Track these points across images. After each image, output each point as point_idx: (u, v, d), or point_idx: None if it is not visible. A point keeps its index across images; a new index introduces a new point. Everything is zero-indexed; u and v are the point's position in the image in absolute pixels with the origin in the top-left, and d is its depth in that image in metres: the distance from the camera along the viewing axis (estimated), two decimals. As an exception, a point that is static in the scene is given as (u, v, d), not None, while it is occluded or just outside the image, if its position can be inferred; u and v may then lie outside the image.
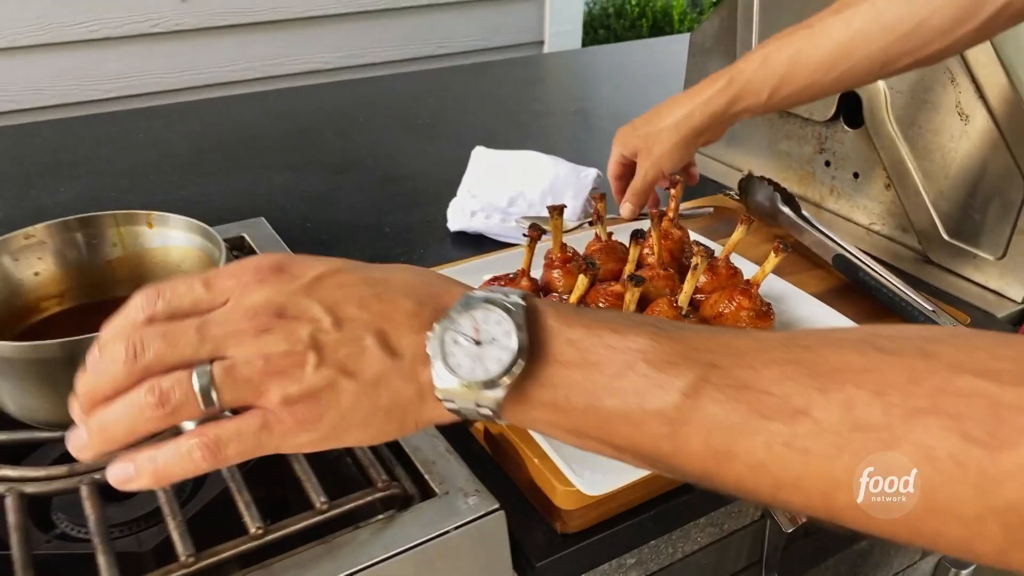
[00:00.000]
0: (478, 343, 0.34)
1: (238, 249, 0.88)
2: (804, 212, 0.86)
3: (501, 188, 0.96)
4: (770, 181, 0.90)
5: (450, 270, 0.76)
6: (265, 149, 1.18)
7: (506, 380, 0.34)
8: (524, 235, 0.67)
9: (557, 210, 0.69)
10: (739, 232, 0.68)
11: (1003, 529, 0.28)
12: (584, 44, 2.96)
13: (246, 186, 1.05)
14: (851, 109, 0.94)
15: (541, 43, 2.74)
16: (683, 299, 0.62)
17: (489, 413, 0.35)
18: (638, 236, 0.66)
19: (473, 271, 0.73)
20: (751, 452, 0.31)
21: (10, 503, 0.52)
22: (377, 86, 1.49)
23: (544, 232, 0.68)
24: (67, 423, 0.58)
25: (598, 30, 3.56)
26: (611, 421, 0.33)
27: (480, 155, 1.03)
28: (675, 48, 1.51)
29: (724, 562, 0.74)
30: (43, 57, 2.01)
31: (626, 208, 0.88)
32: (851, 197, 0.98)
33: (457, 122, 1.31)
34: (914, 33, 0.64)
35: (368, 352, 0.35)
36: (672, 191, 0.77)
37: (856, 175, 0.96)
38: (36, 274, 0.67)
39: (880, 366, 0.30)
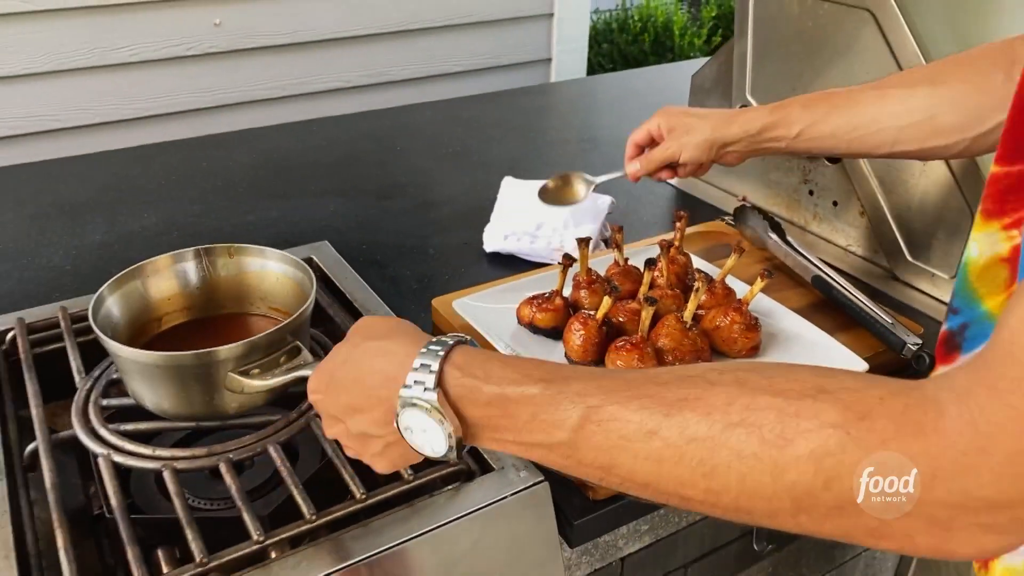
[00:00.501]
0: (423, 430, 0.50)
1: (306, 263, 1.03)
2: (788, 238, 1.01)
3: (529, 214, 1.11)
4: (760, 211, 1.05)
5: (492, 289, 0.91)
6: (315, 176, 1.33)
7: (452, 450, 0.50)
8: (558, 263, 0.82)
9: (584, 242, 0.84)
10: (732, 259, 0.84)
11: (792, 500, 0.39)
12: (589, 58, 3.11)
13: (303, 211, 1.21)
14: (830, 147, 1.09)
15: (549, 60, 2.89)
16: (687, 315, 0.78)
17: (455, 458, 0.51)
18: (651, 263, 0.81)
19: (514, 290, 0.89)
20: (623, 464, 0.44)
21: (168, 476, 0.68)
22: (408, 115, 1.64)
23: (574, 260, 0.83)
24: (190, 415, 0.72)
25: (602, 44, 3.71)
26: (532, 449, 0.48)
27: (509, 184, 1.18)
28: (677, 76, 1.66)
29: (721, 531, 0.89)
30: (89, 79, 2.16)
31: (632, 167, 0.99)
32: (831, 222, 1.13)
33: (481, 150, 1.46)
34: (926, 124, 0.77)
35: (370, 440, 0.55)
36: (678, 224, 0.93)
37: (835, 203, 1.12)
38: (160, 294, 0.82)
39: (707, 395, 0.42)
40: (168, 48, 2.24)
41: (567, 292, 0.85)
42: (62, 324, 0.87)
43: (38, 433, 0.73)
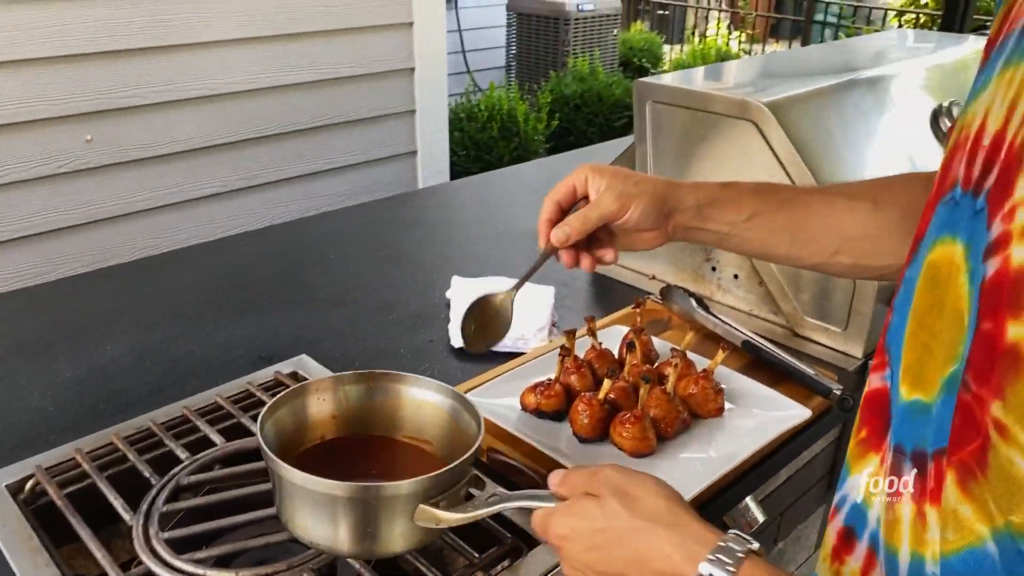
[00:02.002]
0: None
1: (293, 379, 1.09)
2: (712, 311, 1.21)
3: (486, 310, 1.24)
4: (686, 290, 1.24)
5: (488, 384, 1.03)
6: (264, 290, 1.38)
7: None
8: (560, 351, 0.96)
9: (571, 333, 0.98)
10: (690, 336, 1.01)
11: None
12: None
13: (265, 326, 1.26)
14: (728, 230, 1.31)
15: (415, 152, 3.06)
16: (669, 387, 0.93)
17: None
18: (631, 347, 0.97)
19: (508, 381, 1.01)
20: None
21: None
22: (325, 223, 1.72)
23: (570, 351, 0.97)
24: (354, 551, 0.73)
25: (453, 132, 3.93)
26: None
27: (459, 283, 1.31)
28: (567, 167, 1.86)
29: None
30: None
31: (561, 232, 0.79)
32: (733, 292, 1.35)
33: (411, 252, 1.58)
34: (868, 242, 0.76)
35: None
36: (638, 309, 1.09)
37: (736, 276, 1.34)
38: (317, 412, 0.81)
39: None
40: (40, 167, 2.19)
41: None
42: (84, 464, 0.89)
43: (112, 574, 0.75)
